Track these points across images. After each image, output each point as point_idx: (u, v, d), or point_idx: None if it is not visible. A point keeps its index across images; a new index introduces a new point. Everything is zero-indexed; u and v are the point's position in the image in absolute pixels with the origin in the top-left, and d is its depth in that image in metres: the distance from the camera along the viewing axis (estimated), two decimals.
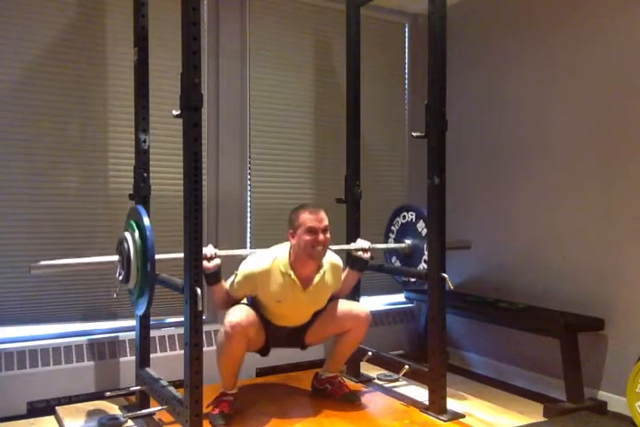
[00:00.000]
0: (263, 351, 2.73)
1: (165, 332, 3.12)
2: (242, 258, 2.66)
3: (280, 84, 3.52)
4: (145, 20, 2.61)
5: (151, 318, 2.71)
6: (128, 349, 2.97)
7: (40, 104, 2.87)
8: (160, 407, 2.40)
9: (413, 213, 3.07)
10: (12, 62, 2.81)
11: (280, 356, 3.35)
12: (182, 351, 2.20)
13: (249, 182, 3.42)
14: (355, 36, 3.22)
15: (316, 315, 2.73)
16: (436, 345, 2.64)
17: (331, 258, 2.70)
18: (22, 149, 2.83)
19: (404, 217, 3.13)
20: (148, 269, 2.20)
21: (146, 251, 2.22)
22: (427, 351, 2.69)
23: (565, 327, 2.82)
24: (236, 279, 2.56)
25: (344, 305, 2.74)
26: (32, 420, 2.67)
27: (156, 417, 2.54)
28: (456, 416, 2.63)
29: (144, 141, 2.62)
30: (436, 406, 2.63)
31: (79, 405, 2.76)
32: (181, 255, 2.20)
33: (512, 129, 3.44)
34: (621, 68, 2.87)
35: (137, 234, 2.29)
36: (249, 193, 3.42)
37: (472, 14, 3.70)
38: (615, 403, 2.83)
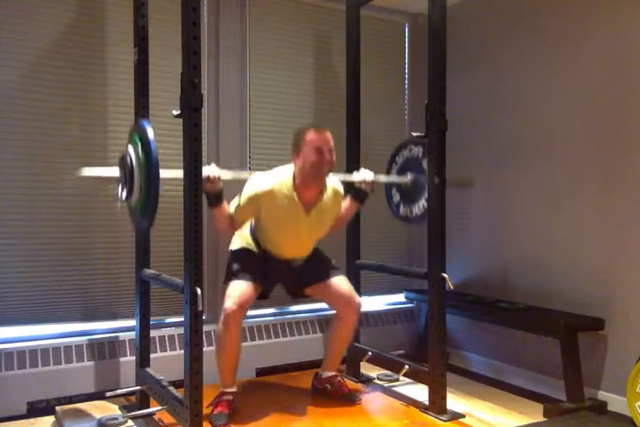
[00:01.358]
0: (261, 297, 2.73)
1: (165, 332, 3.12)
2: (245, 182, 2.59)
3: (280, 83, 3.51)
4: (145, 20, 2.61)
5: (151, 318, 2.71)
6: (128, 349, 2.97)
7: (40, 104, 2.86)
8: (160, 407, 2.40)
9: (420, 148, 2.93)
10: (12, 62, 2.80)
11: (280, 356, 3.35)
12: (182, 351, 2.20)
13: None
14: (355, 36, 3.23)
15: (320, 277, 2.73)
16: (435, 345, 2.64)
17: (333, 184, 2.68)
18: (22, 148, 2.83)
19: (411, 150, 3.00)
20: (151, 186, 2.10)
21: (150, 165, 2.11)
22: (427, 351, 2.69)
23: (565, 327, 2.81)
24: (241, 201, 2.53)
25: (345, 286, 2.75)
26: (32, 420, 2.67)
27: (155, 417, 2.55)
28: (456, 416, 2.63)
29: None
30: (436, 406, 2.63)
31: (79, 405, 2.76)
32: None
33: (512, 128, 3.43)
34: (622, 68, 2.87)
35: (140, 147, 2.18)
36: None
37: (472, 14, 3.70)
38: (615, 403, 2.83)
